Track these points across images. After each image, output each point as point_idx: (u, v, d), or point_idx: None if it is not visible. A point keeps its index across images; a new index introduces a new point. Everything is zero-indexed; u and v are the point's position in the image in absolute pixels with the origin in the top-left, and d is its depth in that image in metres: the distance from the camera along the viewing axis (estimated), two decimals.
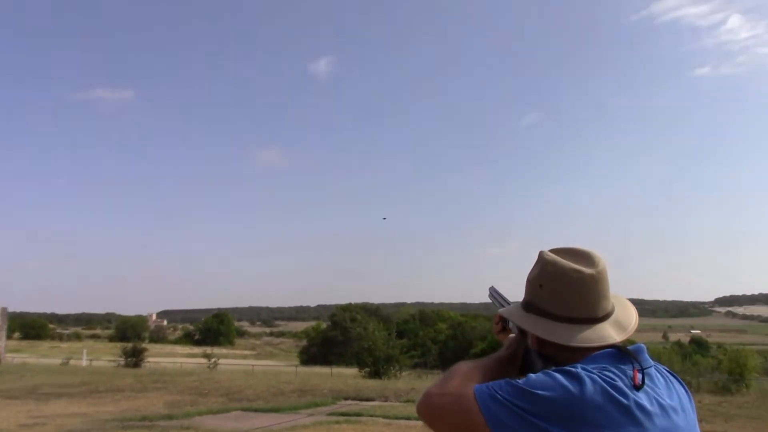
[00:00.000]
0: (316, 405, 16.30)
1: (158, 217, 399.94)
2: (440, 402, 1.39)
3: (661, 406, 1.33)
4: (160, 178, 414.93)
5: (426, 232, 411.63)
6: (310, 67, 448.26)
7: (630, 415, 1.28)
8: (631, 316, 1.54)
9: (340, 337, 71.13)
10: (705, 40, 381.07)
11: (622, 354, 1.41)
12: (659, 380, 1.41)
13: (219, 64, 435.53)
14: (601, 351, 1.43)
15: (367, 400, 18.16)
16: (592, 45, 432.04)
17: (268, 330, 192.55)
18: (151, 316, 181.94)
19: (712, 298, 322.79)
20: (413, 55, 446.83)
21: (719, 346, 50.84)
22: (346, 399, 18.06)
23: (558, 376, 1.32)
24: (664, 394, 1.38)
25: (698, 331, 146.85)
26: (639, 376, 1.34)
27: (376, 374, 33.87)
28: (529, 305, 1.56)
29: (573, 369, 1.34)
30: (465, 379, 1.44)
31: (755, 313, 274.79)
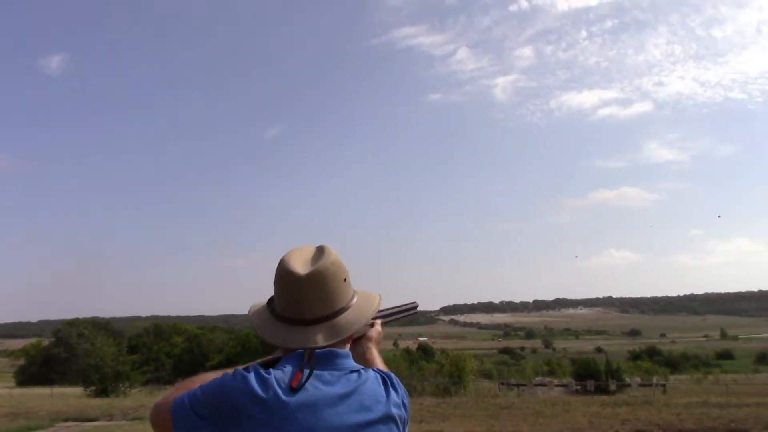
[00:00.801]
0: (30, 429, 14.88)
1: None
2: (153, 412, 1.42)
3: (314, 408, 1.35)
4: None
5: (162, 243, 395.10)
6: (39, 63, 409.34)
7: (267, 410, 1.32)
8: (354, 323, 1.54)
9: (63, 354, 65.41)
10: (438, 69, 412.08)
11: (304, 357, 1.43)
12: (336, 386, 1.41)
13: None
14: (296, 352, 1.45)
15: (90, 420, 17.10)
16: (336, 64, 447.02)
17: None
18: None
19: (437, 307, 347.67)
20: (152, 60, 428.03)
21: (442, 351, 54.90)
22: (66, 421, 16.76)
23: (223, 375, 1.39)
24: (330, 399, 1.38)
25: (425, 338, 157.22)
26: (302, 378, 1.37)
27: (103, 392, 31.96)
28: (270, 301, 1.57)
29: (239, 368, 1.40)
30: (184, 388, 1.42)
31: (474, 321, 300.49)
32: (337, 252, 1.58)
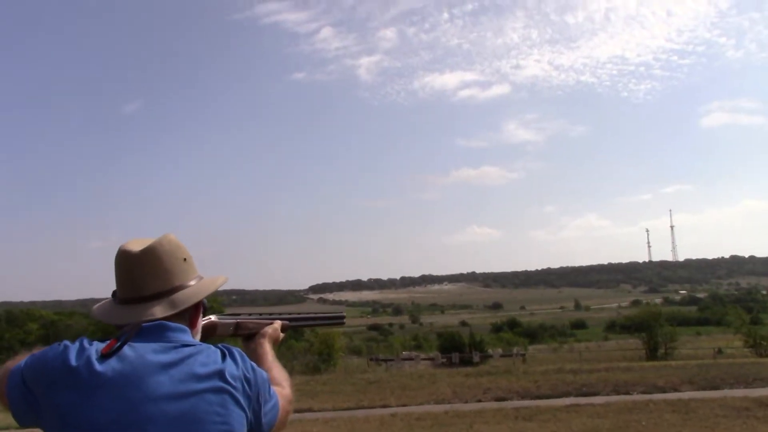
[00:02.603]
0: None
1: None
2: None
3: (132, 377, 1.33)
4: None
5: (13, 225, 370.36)
6: None
7: (79, 378, 1.32)
8: (193, 296, 1.55)
9: None
10: (302, 47, 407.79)
11: (129, 328, 1.44)
12: (162, 355, 1.39)
13: None
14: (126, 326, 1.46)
15: None
16: (198, 38, 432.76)
17: None
18: None
19: (306, 286, 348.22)
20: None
21: (312, 329, 55.28)
22: None
23: (51, 345, 1.42)
24: (151, 368, 1.36)
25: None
26: (115, 345, 1.36)
27: None
28: (114, 293, 1.58)
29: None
30: (26, 356, 1.44)
31: (343, 299, 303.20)
32: (183, 239, 1.61)
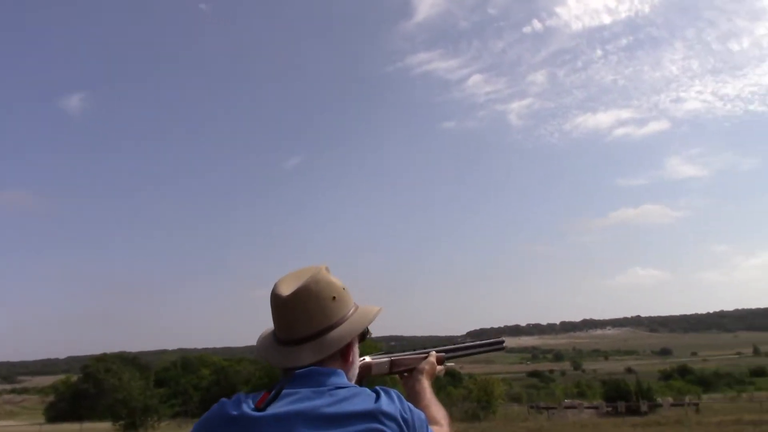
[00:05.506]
0: None
1: None
2: None
3: (287, 419, 1.36)
4: None
5: (187, 275, 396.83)
6: (61, 103, 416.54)
7: (238, 427, 1.37)
8: (343, 338, 1.55)
9: (92, 390, 65.73)
10: (454, 94, 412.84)
11: (283, 377, 1.48)
12: (316, 400, 1.40)
13: None
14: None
15: None
16: (353, 92, 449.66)
17: (9, 387, 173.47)
18: None
19: (464, 332, 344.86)
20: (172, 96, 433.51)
21: (470, 376, 54.59)
22: None
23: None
24: (306, 411, 1.37)
25: (452, 364, 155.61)
26: (269, 397, 1.40)
27: (132, 426, 32.06)
28: None
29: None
30: None
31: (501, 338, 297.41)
32: (338, 275, 1.61)
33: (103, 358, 76.65)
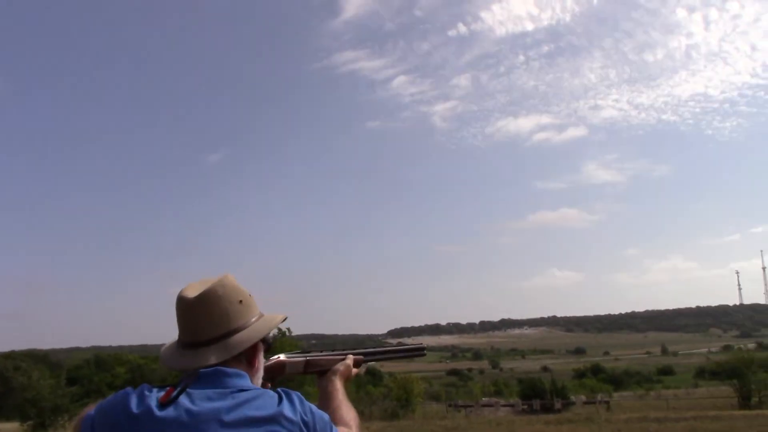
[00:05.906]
0: None
1: None
2: (74, 423, 1.57)
3: (189, 424, 1.37)
4: None
5: (99, 272, 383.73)
6: None
7: (139, 426, 1.37)
8: (247, 339, 1.57)
9: None
10: (379, 93, 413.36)
11: (187, 375, 1.49)
12: (218, 402, 1.41)
13: None
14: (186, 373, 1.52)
15: None
16: (277, 88, 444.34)
17: None
18: None
19: (385, 331, 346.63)
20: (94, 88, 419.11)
21: (390, 374, 54.92)
22: None
23: (114, 393, 1.49)
24: (208, 414, 1.39)
25: (373, 363, 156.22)
26: (173, 394, 1.41)
27: (41, 426, 30.92)
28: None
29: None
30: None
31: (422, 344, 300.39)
32: (257, 288, 1.67)
33: (10, 356, 73.59)
